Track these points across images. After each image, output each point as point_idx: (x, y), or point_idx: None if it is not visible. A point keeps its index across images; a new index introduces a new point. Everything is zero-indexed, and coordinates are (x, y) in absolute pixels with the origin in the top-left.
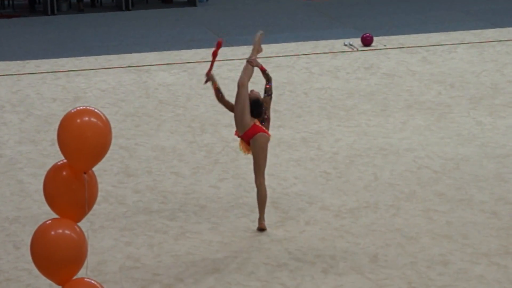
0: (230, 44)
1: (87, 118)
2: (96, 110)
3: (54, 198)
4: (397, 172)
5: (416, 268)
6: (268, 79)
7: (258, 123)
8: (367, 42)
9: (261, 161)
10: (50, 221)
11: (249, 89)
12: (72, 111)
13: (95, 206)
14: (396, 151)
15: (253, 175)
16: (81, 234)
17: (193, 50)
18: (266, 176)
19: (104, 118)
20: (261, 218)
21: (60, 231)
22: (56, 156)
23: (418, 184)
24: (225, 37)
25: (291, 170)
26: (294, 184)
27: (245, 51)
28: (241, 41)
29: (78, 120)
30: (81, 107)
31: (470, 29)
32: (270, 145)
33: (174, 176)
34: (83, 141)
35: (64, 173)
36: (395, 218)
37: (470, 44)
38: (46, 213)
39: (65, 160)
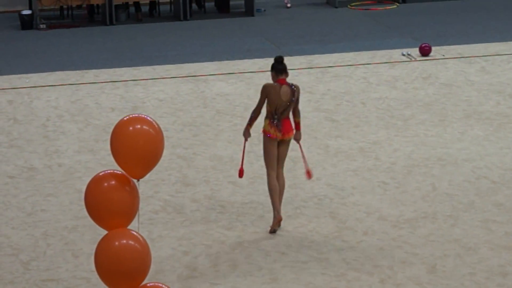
0: (288, 54)
1: (139, 126)
2: (148, 118)
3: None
4: (455, 182)
5: (475, 279)
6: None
7: (268, 125)
8: (425, 52)
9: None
10: (114, 232)
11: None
12: (125, 118)
13: (153, 215)
14: (455, 161)
15: (310, 183)
16: (145, 245)
17: (251, 60)
18: (324, 186)
19: (156, 126)
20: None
21: (125, 241)
22: (115, 166)
23: (477, 195)
24: (283, 47)
25: (348, 180)
26: (351, 194)
27: (302, 60)
28: (298, 51)
29: (131, 128)
30: (134, 115)
31: None
32: (328, 155)
33: (231, 185)
34: (135, 149)
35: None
36: (453, 229)
37: None
38: None
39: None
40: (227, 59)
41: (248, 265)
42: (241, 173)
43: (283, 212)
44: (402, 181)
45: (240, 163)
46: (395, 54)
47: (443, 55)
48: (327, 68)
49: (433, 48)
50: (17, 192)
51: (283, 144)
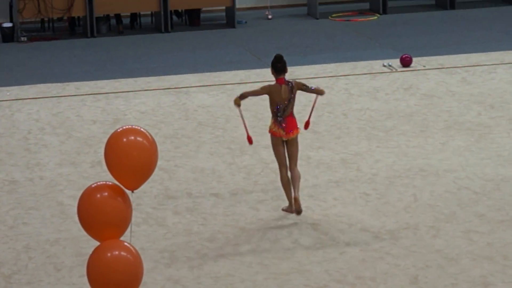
0: (269, 65)
1: (133, 137)
2: (142, 130)
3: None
4: (437, 193)
5: None
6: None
7: (272, 124)
8: (406, 63)
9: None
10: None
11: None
12: (118, 130)
13: (135, 228)
14: (436, 172)
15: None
16: (137, 256)
17: (232, 72)
18: (305, 197)
19: (150, 137)
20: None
21: (117, 253)
22: (96, 178)
23: (458, 205)
24: (264, 58)
25: (330, 191)
26: (333, 206)
27: None
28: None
29: (124, 139)
30: (127, 127)
31: (510, 49)
32: (309, 167)
33: (213, 197)
34: (129, 160)
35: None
36: (435, 240)
37: (510, 65)
38: (87, 235)
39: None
40: (209, 71)
41: (230, 277)
42: (250, 140)
43: (263, 224)
44: (384, 192)
45: (245, 132)
46: (376, 65)
47: (424, 66)
48: (308, 79)
49: (414, 59)
50: None
51: (291, 143)
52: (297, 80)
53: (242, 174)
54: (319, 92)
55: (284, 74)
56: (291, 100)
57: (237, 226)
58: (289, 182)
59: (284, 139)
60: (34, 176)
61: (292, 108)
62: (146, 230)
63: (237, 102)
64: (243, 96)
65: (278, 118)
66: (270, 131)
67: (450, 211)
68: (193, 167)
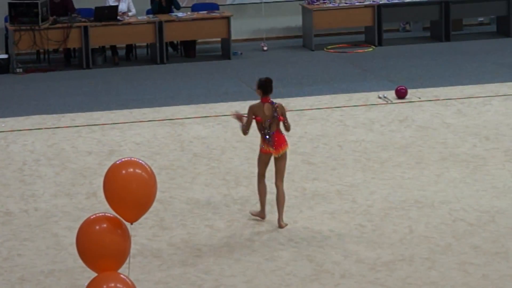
0: None
1: (132, 170)
2: (141, 162)
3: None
4: (432, 224)
5: None
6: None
7: (261, 141)
8: (401, 94)
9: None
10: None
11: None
12: (118, 162)
13: (131, 260)
14: (431, 203)
15: (287, 226)
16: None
17: (228, 103)
18: (301, 229)
19: (149, 169)
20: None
21: (113, 285)
22: (92, 209)
23: (454, 237)
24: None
25: (326, 222)
26: (328, 237)
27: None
28: (275, 94)
29: (124, 172)
30: (126, 159)
31: (505, 81)
32: (305, 198)
33: (208, 229)
34: (128, 193)
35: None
36: (430, 271)
37: (505, 96)
38: (82, 266)
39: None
40: (204, 102)
41: None
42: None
43: (259, 256)
44: (379, 223)
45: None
46: (371, 96)
47: (419, 98)
48: (303, 111)
49: (409, 91)
50: None
51: (279, 159)
52: (282, 105)
53: (238, 206)
54: (286, 128)
55: (269, 95)
56: (274, 118)
57: (232, 258)
58: (266, 191)
59: (275, 155)
60: (29, 208)
61: (277, 125)
62: (141, 261)
63: (243, 120)
64: (244, 130)
65: (266, 136)
66: (260, 149)
67: (445, 243)
68: (188, 198)
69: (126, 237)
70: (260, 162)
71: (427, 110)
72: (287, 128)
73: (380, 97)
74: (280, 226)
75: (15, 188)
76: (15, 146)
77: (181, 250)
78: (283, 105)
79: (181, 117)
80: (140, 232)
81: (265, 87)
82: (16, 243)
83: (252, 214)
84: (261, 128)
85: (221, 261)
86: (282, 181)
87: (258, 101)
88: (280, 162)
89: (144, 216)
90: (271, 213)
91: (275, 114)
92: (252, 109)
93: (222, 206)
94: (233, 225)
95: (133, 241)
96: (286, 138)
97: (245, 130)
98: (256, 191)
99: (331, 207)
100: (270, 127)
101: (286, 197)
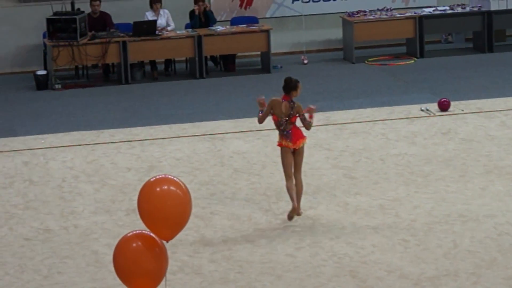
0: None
1: (166, 187)
2: (175, 179)
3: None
4: (477, 239)
5: None
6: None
7: (279, 136)
8: (444, 107)
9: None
10: None
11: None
12: (152, 179)
13: (171, 277)
14: (476, 217)
15: (329, 242)
16: None
17: (268, 117)
18: (343, 244)
19: (183, 187)
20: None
21: None
22: (132, 226)
23: (499, 251)
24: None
25: (368, 238)
26: (372, 252)
27: (320, 117)
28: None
29: (158, 189)
30: (161, 176)
31: None
32: (347, 213)
33: (250, 245)
34: (163, 211)
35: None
36: (476, 286)
37: None
38: (122, 284)
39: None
40: (244, 117)
41: None
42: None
43: (301, 272)
44: (423, 238)
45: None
46: (413, 109)
47: (462, 110)
48: (345, 124)
49: (452, 103)
50: (33, 255)
51: (297, 153)
52: (300, 105)
53: (279, 221)
54: (306, 126)
55: (291, 94)
56: (290, 115)
57: (274, 274)
58: (294, 189)
59: (293, 148)
60: (68, 225)
61: (293, 122)
62: (182, 278)
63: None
64: (260, 121)
65: (284, 132)
66: (279, 144)
67: (490, 257)
68: (229, 214)
69: (162, 255)
70: (283, 160)
71: (470, 122)
72: (307, 127)
73: (422, 110)
74: (298, 214)
75: (55, 205)
76: (54, 162)
77: (222, 267)
78: (299, 104)
79: (221, 132)
80: (181, 248)
81: (284, 85)
82: (56, 260)
83: (289, 218)
84: (278, 125)
85: (263, 277)
86: (300, 173)
87: (280, 97)
88: (299, 157)
89: (185, 233)
90: (318, 247)
91: (291, 112)
92: (271, 103)
93: (263, 222)
94: (274, 241)
95: (174, 258)
96: (303, 133)
97: (261, 119)
98: (286, 192)
99: (374, 222)
100: (287, 124)
101: (328, 212)
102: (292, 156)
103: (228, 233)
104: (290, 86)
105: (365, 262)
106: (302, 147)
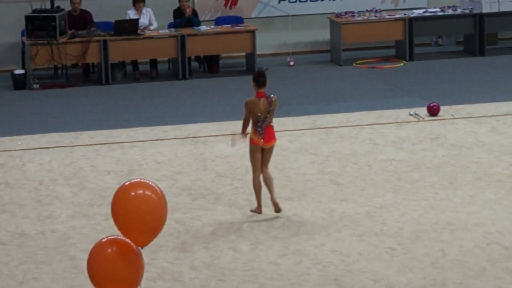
0: (291, 113)
1: (141, 191)
2: (150, 183)
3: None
4: (466, 248)
5: None
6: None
7: (253, 133)
8: (433, 111)
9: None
10: None
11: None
12: (126, 183)
13: (150, 284)
14: (465, 226)
15: (314, 249)
16: None
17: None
18: (328, 252)
19: (159, 191)
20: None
21: None
22: (110, 231)
23: (488, 261)
24: (285, 106)
25: (354, 245)
26: (357, 261)
27: (306, 121)
28: (302, 110)
29: (133, 193)
30: (135, 180)
31: None
32: (332, 220)
33: (232, 252)
34: (137, 216)
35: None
36: None
37: None
38: None
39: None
40: (228, 120)
41: None
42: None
43: (285, 281)
44: (410, 246)
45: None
46: (402, 114)
47: (452, 115)
48: (331, 128)
49: (441, 108)
50: (8, 260)
51: (267, 151)
52: (275, 97)
53: (262, 228)
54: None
55: (264, 88)
56: (269, 113)
57: (257, 282)
58: (261, 186)
59: (264, 147)
60: (45, 229)
61: (270, 120)
62: (162, 285)
63: (236, 140)
64: (243, 129)
65: (258, 128)
66: (250, 139)
67: (479, 267)
68: (211, 220)
69: (138, 262)
70: (252, 155)
71: (460, 128)
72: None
73: (411, 114)
74: (274, 203)
75: (31, 208)
76: (31, 165)
77: (203, 274)
78: (276, 99)
79: (204, 135)
80: (161, 255)
81: (257, 79)
82: (32, 266)
83: (251, 211)
84: (255, 121)
85: (246, 285)
86: (267, 167)
87: (253, 97)
88: (268, 155)
89: (165, 239)
90: (302, 254)
91: (271, 108)
92: (248, 105)
93: (246, 228)
94: (257, 248)
95: (153, 264)
96: (275, 134)
97: (244, 129)
98: (252, 188)
99: (360, 229)
100: (264, 121)
101: (313, 219)
102: (259, 150)
103: (209, 240)
104: (261, 78)
105: (350, 271)
106: (272, 147)
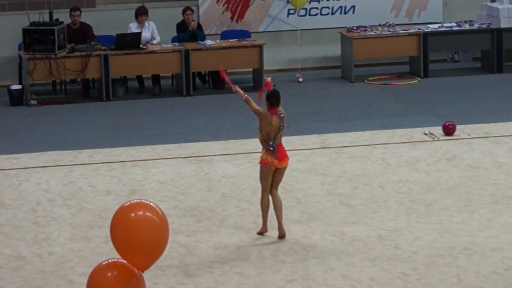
0: (299, 132)
1: (141, 213)
2: (151, 204)
3: None
4: (483, 274)
5: None
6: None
7: (265, 153)
8: (449, 131)
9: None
10: None
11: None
12: (126, 204)
13: None
14: (482, 250)
15: (324, 274)
16: None
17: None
18: (339, 277)
19: (160, 212)
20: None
21: None
22: (110, 254)
23: (507, 287)
24: (294, 124)
25: (365, 271)
26: (369, 286)
27: (315, 140)
28: (311, 129)
29: (132, 215)
30: (136, 201)
31: None
32: (343, 243)
33: (237, 276)
34: (138, 238)
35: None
36: None
37: None
38: None
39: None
40: (234, 138)
41: None
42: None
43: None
44: (425, 272)
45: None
46: (416, 133)
47: (469, 135)
48: (342, 148)
49: (457, 127)
50: (4, 284)
51: (279, 173)
52: (284, 112)
53: (269, 251)
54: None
55: (277, 107)
56: (280, 128)
57: None
58: (269, 206)
59: (277, 167)
60: (42, 252)
61: (281, 137)
62: None
63: (245, 98)
64: (248, 101)
65: (270, 148)
66: (263, 161)
67: None
68: (216, 243)
69: (139, 286)
70: (263, 176)
71: (477, 148)
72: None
73: (425, 134)
74: (282, 233)
75: (28, 230)
76: (28, 184)
77: None
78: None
79: (208, 154)
80: (163, 279)
81: (270, 99)
82: None
83: (258, 233)
84: (265, 139)
85: None
86: (277, 189)
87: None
88: (280, 176)
89: (168, 262)
90: (311, 279)
91: (281, 123)
92: (261, 112)
93: (252, 252)
94: (264, 273)
95: None
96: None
97: (246, 101)
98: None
99: (372, 254)
100: (275, 139)
101: (323, 242)
102: (272, 171)
103: (214, 264)
104: (275, 99)
105: None
106: (285, 168)
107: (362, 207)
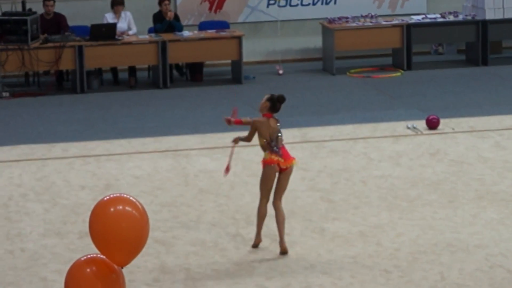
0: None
1: (121, 207)
2: (131, 198)
3: None
4: (466, 271)
5: None
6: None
7: (268, 154)
8: (432, 125)
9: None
10: None
11: None
12: (105, 199)
13: None
14: (466, 247)
15: (304, 271)
16: None
17: (238, 133)
18: (319, 274)
19: (140, 207)
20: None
21: None
22: (85, 250)
23: (491, 285)
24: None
25: (346, 267)
26: (350, 284)
27: (296, 134)
28: (291, 123)
29: (112, 209)
30: (115, 195)
31: None
32: (324, 240)
33: (215, 273)
34: (117, 233)
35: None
36: None
37: None
38: None
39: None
40: (212, 132)
41: None
42: (227, 170)
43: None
44: (407, 269)
45: (227, 163)
46: (399, 127)
47: (453, 129)
48: (323, 142)
49: (441, 121)
50: None
51: (284, 176)
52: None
53: (248, 248)
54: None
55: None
56: (279, 130)
57: None
58: (265, 216)
59: (282, 166)
60: (14, 248)
61: (282, 140)
62: None
63: (237, 141)
64: (245, 123)
65: (274, 148)
66: (267, 161)
67: None
68: (193, 239)
69: (119, 282)
70: (264, 179)
71: (461, 142)
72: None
73: (409, 128)
74: (284, 249)
75: None
76: (0, 179)
77: None
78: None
79: (185, 148)
80: (139, 276)
81: (274, 105)
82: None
83: (253, 247)
84: (268, 142)
85: None
86: (281, 199)
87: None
88: (284, 180)
89: (143, 259)
90: (291, 276)
91: (279, 124)
92: (255, 124)
93: (230, 248)
94: (243, 269)
95: (132, 286)
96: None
97: (246, 140)
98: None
99: (353, 250)
100: (277, 140)
101: (303, 238)
102: (275, 174)
103: (191, 260)
104: (280, 105)
105: None
106: (291, 169)
107: (344, 202)
